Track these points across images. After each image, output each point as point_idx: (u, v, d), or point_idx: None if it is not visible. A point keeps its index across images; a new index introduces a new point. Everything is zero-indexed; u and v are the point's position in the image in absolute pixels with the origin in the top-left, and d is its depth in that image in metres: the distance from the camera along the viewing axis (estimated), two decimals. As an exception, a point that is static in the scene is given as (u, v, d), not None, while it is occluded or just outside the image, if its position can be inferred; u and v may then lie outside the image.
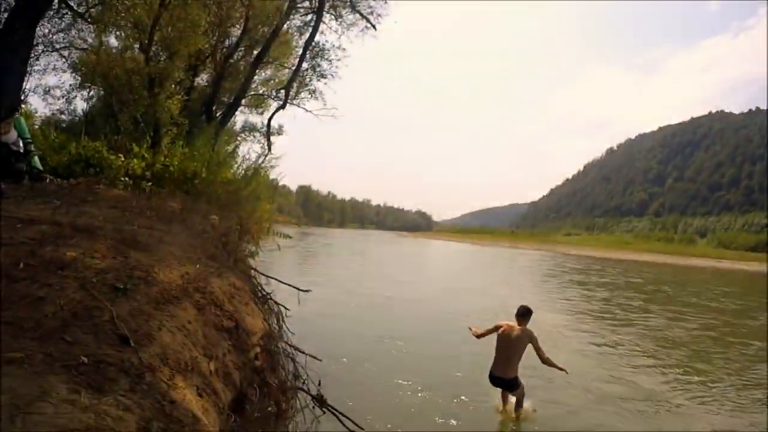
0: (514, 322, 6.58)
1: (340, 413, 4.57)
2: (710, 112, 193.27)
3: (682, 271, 48.23)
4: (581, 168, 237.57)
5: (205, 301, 3.03)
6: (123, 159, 5.97)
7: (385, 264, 35.47)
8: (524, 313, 6.52)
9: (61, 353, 2.26)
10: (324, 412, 4.90)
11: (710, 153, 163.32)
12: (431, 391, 7.32)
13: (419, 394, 7.27)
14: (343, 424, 4.63)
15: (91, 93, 15.32)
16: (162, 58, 13.32)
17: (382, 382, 7.58)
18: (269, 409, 3.63)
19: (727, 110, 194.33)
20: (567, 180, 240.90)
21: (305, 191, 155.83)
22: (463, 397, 7.14)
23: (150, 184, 5.40)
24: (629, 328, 14.25)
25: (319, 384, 4.55)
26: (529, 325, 6.52)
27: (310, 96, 15.02)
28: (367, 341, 10.08)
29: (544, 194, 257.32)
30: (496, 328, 6.62)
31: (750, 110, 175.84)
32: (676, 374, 9.58)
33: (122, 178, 5.54)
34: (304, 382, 4.46)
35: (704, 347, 12.48)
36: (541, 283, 28.33)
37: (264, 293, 4.65)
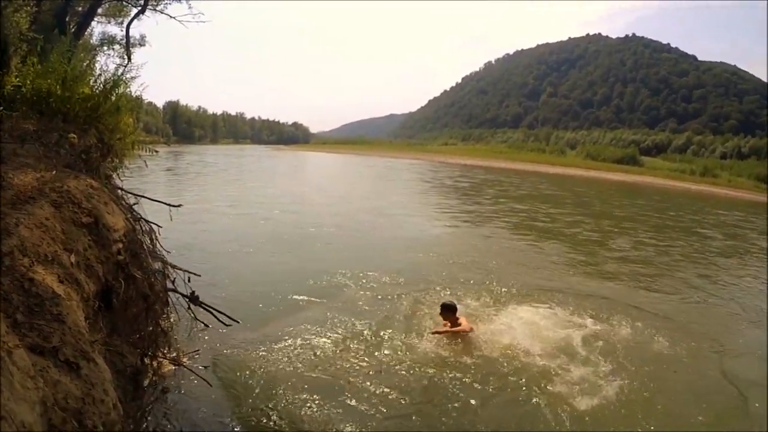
0: None
1: (214, 309, 4.96)
2: (588, 34, 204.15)
3: (559, 179, 51.69)
4: (459, 80, 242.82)
5: (62, 200, 3.20)
6: (-32, 85, 5.57)
7: (284, 182, 34.44)
8: None
9: None
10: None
11: (584, 72, 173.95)
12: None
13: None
14: (218, 320, 5.05)
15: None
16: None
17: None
18: (138, 303, 3.91)
19: (604, 34, 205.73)
20: (445, 91, 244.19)
21: (173, 107, 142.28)
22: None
23: (1, 108, 5.16)
24: (606, 252, 14.94)
25: (189, 281, 4.86)
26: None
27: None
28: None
29: (423, 105, 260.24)
30: None
31: (626, 35, 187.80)
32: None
33: (-32, 105, 5.22)
34: (174, 282, 4.76)
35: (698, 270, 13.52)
36: (466, 199, 28.09)
37: (129, 205, 4.78)
